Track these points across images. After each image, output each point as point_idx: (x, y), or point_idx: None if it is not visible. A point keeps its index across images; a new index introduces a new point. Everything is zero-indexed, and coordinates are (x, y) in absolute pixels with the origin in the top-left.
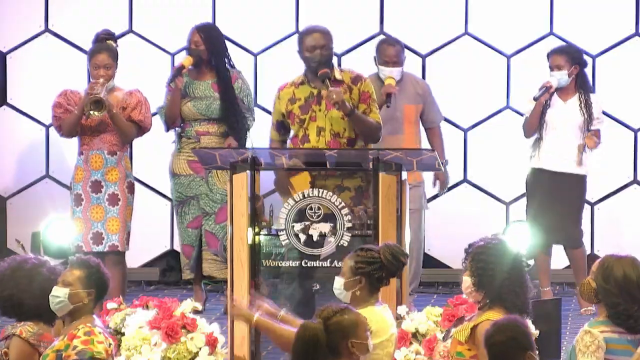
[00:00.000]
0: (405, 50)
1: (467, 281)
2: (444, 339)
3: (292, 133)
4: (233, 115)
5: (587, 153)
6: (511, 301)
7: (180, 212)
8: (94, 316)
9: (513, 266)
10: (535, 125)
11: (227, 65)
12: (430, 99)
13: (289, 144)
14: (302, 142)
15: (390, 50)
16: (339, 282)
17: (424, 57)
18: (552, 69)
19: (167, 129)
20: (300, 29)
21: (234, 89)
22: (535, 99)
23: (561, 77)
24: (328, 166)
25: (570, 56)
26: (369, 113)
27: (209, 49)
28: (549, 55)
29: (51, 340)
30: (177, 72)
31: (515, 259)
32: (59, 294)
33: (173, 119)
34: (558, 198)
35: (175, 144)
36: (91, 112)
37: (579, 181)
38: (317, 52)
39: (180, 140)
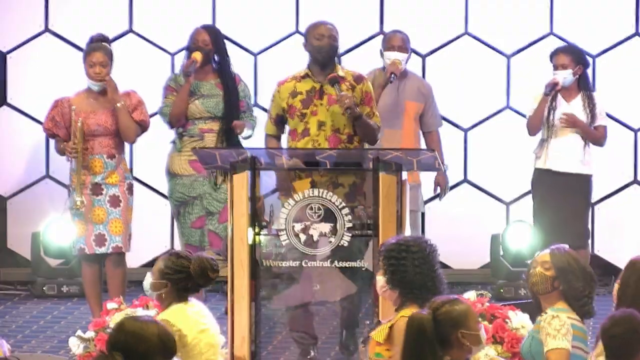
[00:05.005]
0: None
1: (380, 280)
2: (363, 343)
3: (288, 128)
4: (235, 115)
5: (590, 148)
6: (424, 296)
7: (183, 212)
8: None
9: (424, 261)
10: (539, 123)
11: (229, 66)
12: (431, 102)
13: (287, 138)
14: (303, 135)
15: (395, 37)
16: (147, 280)
17: (424, 57)
18: (556, 68)
19: (172, 127)
20: (301, 29)
21: (237, 90)
22: (546, 94)
23: (566, 76)
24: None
25: (575, 56)
26: (372, 116)
27: (216, 49)
28: (552, 55)
29: None
30: (193, 65)
31: (426, 254)
32: None
33: (179, 116)
34: (563, 198)
35: (175, 143)
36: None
37: (584, 181)
38: (326, 40)
39: (182, 139)
